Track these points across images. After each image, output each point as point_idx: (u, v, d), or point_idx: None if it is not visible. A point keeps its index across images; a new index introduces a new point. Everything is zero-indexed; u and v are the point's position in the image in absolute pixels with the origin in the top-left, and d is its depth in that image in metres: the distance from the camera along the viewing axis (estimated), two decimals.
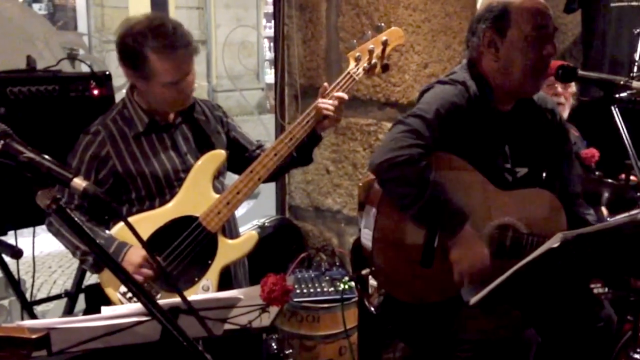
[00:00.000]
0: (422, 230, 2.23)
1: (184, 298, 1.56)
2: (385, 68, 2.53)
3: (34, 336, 1.50)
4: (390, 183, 2.19)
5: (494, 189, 2.26)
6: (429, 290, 2.26)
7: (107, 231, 2.37)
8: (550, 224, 2.28)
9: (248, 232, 2.49)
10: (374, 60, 2.47)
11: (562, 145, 2.46)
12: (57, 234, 2.37)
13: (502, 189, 2.28)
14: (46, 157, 1.34)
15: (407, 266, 2.25)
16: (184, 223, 2.36)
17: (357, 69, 2.45)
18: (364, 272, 2.32)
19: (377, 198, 2.27)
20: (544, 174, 2.40)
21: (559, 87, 3.25)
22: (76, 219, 1.32)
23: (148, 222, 2.34)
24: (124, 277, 1.40)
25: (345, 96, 2.43)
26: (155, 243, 2.32)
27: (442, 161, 2.22)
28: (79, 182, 1.31)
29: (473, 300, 1.82)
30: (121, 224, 2.34)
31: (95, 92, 2.85)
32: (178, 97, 2.38)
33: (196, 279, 2.36)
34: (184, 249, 2.35)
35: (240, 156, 2.62)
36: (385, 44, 2.47)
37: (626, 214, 1.90)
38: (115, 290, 2.33)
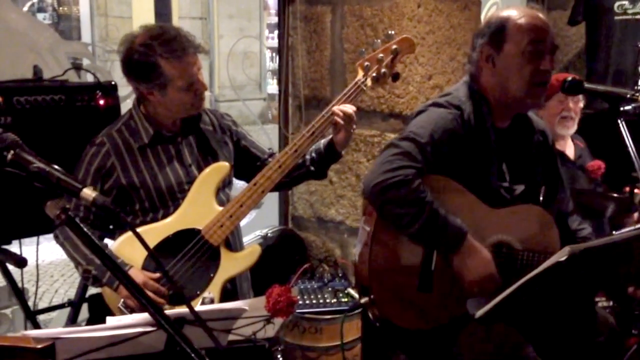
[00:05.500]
0: (418, 255, 2.21)
1: (191, 309, 1.56)
2: (396, 77, 2.44)
3: (39, 346, 1.50)
4: (387, 205, 2.16)
5: (486, 207, 2.25)
6: (432, 315, 2.23)
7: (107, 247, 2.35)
8: (542, 238, 2.28)
9: (251, 246, 2.46)
10: (383, 70, 2.38)
11: (554, 166, 2.47)
12: (62, 246, 2.36)
13: (496, 207, 2.27)
14: (56, 167, 1.35)
15: (407, 293, 2.22)
16: (187, 236, 2.34)
17: (365, 79, 2.39)
18: (362, 300, 2.30)
19: (373, 221, 2.24)
20: (542, 192, 2.39)
21: (570, 103, 3.24)
22: (85, 229, 1.33)
23: (150, 234, 2.32)
24: (130, 285, 1.40)
25: (353, 107, 2.37)
26: (157, 256, 2.30)
27: (432, 183, 2.20)
28: (88, 193, 1.32)
29: (479, 313, 1.81)
30: (122, 238, 2.34)
31: (101, 102, 2.86)
32: (195, 100, 2.38)
33: (198, 292, 2.34)
34: (186, 262, 2.33)
35: (252, 165, 2.60)
36: (395, 52, 2.38)
37: (633, 227, 1.89)
38: (117, 301, 2.32)
